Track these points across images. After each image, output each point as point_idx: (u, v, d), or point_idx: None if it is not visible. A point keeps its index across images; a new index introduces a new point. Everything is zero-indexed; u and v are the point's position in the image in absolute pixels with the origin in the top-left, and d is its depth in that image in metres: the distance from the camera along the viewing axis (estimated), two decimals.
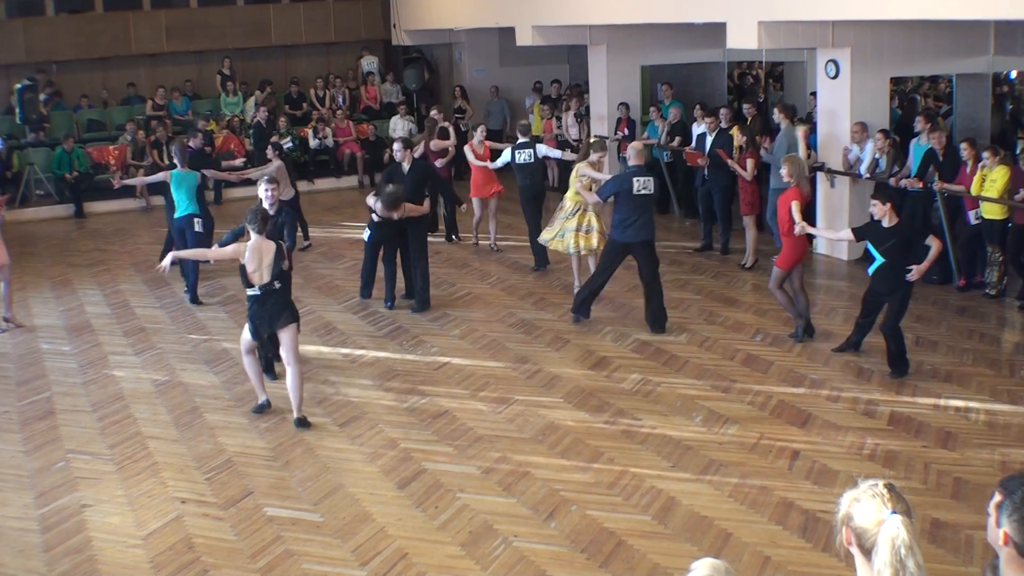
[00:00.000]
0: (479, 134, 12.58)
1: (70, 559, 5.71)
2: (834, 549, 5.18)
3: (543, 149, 12.09)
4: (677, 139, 13.55)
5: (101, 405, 8.11)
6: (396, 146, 10.66)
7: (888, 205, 7.73)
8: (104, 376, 8.82)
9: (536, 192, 11.71)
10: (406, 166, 10.45)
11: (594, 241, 10.12)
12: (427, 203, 10.45)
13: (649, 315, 9.33)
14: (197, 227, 10.65)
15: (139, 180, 12.90)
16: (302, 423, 7.43)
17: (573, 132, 16.00)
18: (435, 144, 13.15)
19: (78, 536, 5.97)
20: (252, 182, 12.48)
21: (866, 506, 2.60)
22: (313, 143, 17.76)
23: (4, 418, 7.94)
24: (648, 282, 9.26)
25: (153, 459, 7.03)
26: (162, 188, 11.33)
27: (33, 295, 11.54)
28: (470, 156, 12.37)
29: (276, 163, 12.02)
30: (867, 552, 2.58)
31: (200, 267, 11.12)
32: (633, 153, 9.31)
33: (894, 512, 2.55)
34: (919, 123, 10.92)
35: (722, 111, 12.20)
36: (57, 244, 14.43)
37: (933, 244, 7.77)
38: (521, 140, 11.85)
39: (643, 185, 9.02)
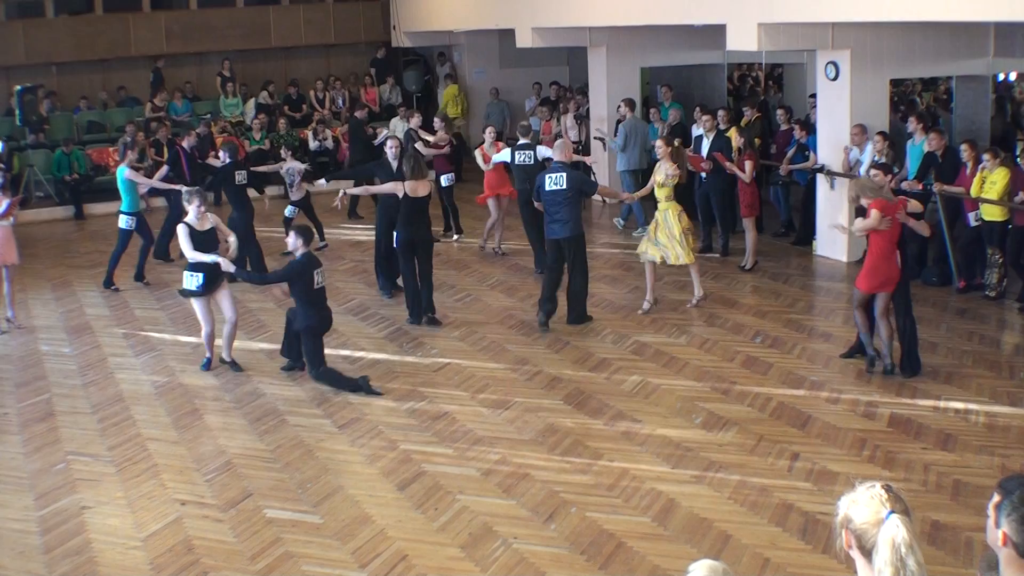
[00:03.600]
0: (489, 136, 12.59)
1: (70, 561, 5.71)
2: (834, 551, 5.18)
3: (544, 151, 11.91)
4: (677, 141, 13.51)
5: (101, 407, 8.12)
6: (389, 143, 10.85)
7: (890, 177, 8.19)
8: (104, 378, 8.82)
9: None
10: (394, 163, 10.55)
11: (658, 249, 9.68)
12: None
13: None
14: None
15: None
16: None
17: (572, 134, 15.96)
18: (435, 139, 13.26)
19: (78, 538, 5.97)
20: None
21: (864, 507, 2.61)
22: (313, 145, 17.73)
23: (4, 420, 7.94)
24: (572, 274, 9.51)
25: (153, 461, 7.03)
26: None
27: (33, 296, 11.54)
28: (480, 160, 12.44)
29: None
30: (868, 554, 2.59)
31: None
32: (557, 149, 9.63)
33: (892, 512, 2.56)
34: (911, 123, 10.95)
35: (720, 113, 12.19)
36: (57, 246, 14.44)
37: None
38: (522, 141, 11.79)
39: (554, 181, 9.23)
